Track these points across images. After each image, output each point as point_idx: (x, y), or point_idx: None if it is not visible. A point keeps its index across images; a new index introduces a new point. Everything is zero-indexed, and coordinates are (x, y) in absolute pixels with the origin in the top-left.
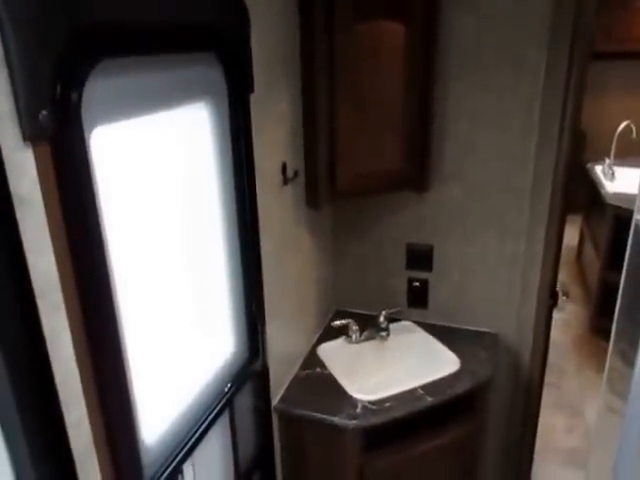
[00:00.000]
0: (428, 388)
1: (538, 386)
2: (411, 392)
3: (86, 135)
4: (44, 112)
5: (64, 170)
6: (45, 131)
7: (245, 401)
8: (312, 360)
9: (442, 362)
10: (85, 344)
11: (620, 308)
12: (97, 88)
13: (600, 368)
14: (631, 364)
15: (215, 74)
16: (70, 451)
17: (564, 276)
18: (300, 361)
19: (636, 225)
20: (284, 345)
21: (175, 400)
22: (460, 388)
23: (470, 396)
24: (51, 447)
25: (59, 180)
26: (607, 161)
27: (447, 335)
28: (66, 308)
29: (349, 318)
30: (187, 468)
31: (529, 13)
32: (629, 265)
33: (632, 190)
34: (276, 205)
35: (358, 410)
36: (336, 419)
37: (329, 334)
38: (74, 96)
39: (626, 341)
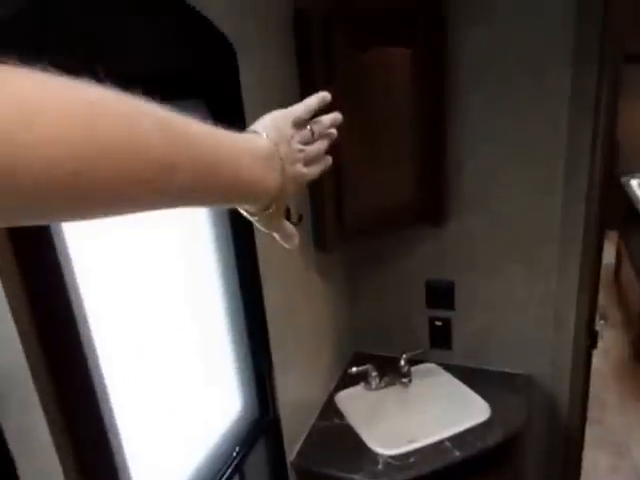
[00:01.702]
0: (456, 440)
1: (579, 430)
2: (437, 445)
3: None
4: None
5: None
6: None
7: (258, 460)
8: (330, 410)
9: (470, 409)
10: (65, 432)
11: None
12: None
13: None
14: None
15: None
16: None
17: (601, 298)
18: (317, 411)
19: None
20: (299, 396)
21: (179, 471)
22: (491, 440)
23: (503, 448)
24: None
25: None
26: None
27: (474, 378)
28: (39, 400)
29: (368, 361)
30: None
31: (548, 20)
32: None
33: None
34: (281, 252)
35: (380, 467)
36: (357, 477)
37: (348, 380)
38: None
39: None
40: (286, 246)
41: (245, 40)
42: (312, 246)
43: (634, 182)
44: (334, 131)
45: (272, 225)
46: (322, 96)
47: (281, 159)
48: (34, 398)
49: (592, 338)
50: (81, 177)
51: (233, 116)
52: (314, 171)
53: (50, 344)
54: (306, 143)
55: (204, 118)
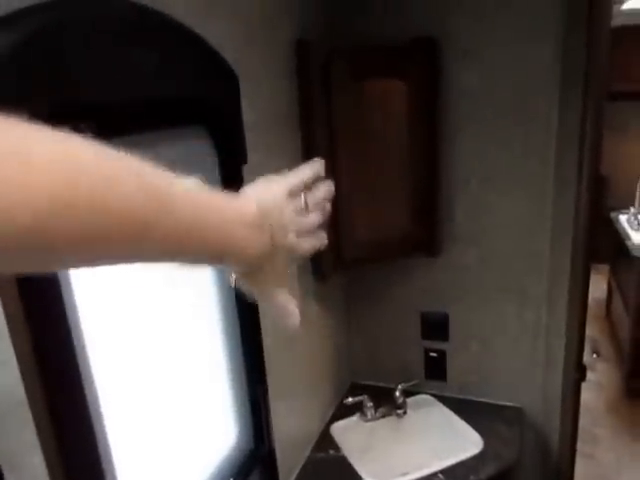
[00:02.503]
0: (448, 473)
1: (569, 464)
2: (430, 478)
3: None
4: None
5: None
6: None
7: None
8: (325, 441)
9: (463, 442)
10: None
11: None
12: None
13: (637, 434)
14: None
15: (204, 147)
16: None
17: (594, 332)
18: (313, 442)
19: None
20: (295, 426)
21: None
22: (484, 474)
23: None
24: None
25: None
26: (632, 210)
27: (467, 409)
28: (34, 420)
29: (364, 392)
30: None
31: (537, 59)
32: None
33: None
34: None
35: None
36: None
37: (343, 410)
38: None
39: None
40: (286, 325)
41: (247, 69)
42: (310, 275)
43: (623, 218)
44: (328, 205)
45: (261, 294)
46: (317, 166)
47: (271, 226)
48: (29, 421)
49: (581, 371)
50: (40, 230)
51: (233, 143)
52: (307, 246)
53: (47, 371)
54: (299, 214)
55: (206, 144)
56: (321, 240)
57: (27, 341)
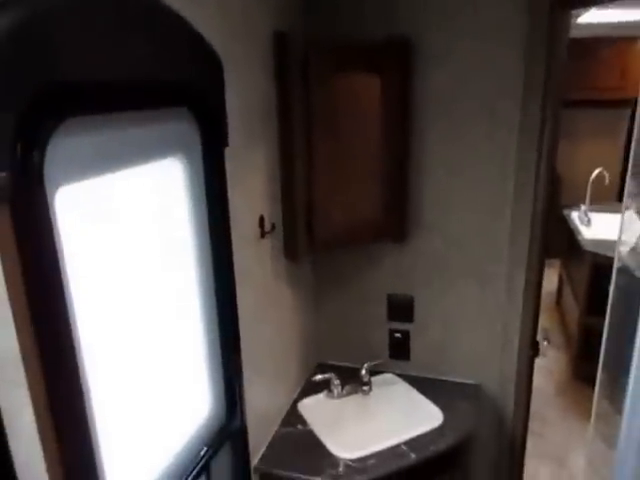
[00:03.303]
0: (411, 444)
1: (522, 437)
2: (394, 449)
3: (49, 195)
4: (3, 174)
5: (25, 232)
6: (4, 193)
7: (223, 463)
8: (293, 417)
9: (425, 416)
10: (49, 421)
11: (604, 359)
12: (62, 146)
13: (583, 415)
14: (619, 411)
15: (188, 129)
16: None
17: (545, 321)
18: (281, 417)
19: (618, 272)
20: (264, 402)
21: (149, 468)
22: (444, 444)
23: (454, 451)
24: None
25: (20, 244)
26: (583, 207)
27: (430, 387)
28: (28, 383)
29: (331, 371)
30: None
31: (502, 65)
32: (611, 316)
33: (608, 236)
34: (254, 259)
35: (340, 469)
36: None
37: (310, 388)
38: (36, 156)
39: (612, 389)
40: None
41: (229, 57)
42: (282, 255)
43: (574, 214)
44: None
45: None
46: None
47: None
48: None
49: (534, 349)
50: None
51: (216, 126)
52: None
53: (41, 328)
54: None
55: (191, 126)
56: None
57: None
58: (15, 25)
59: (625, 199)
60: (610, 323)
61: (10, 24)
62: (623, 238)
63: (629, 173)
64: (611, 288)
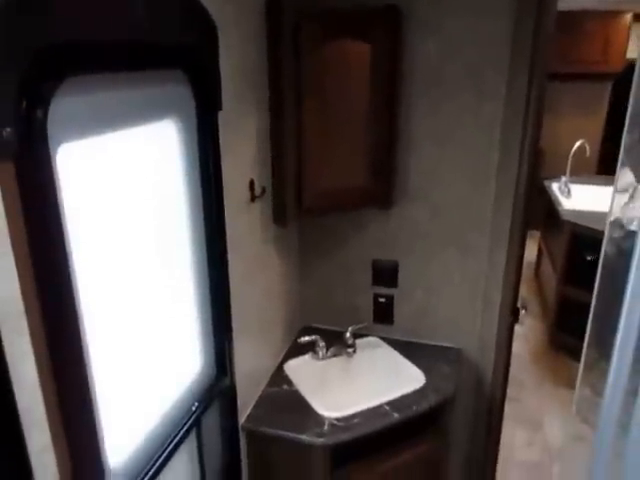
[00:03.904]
0: (394, 404)
1: (500, 401)
2: (377, 409)
3: (52, 152)
4: (8, 129)
5: (28, 187)
6: (9, 148)
7: (212, 420)
8: (279, 377)
9: (407, 378)
10: (49, 368)
11: (589, 337)
12: (64, 105)
13: (559, 382)
14: (600, 394)
15: (183, 92)
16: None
17: (523, 290)
18: (267, 378)
19: (605, 255)
20: (251, 363)
21: (142, 420)
22: (425, 404)
23: (435, 412)
24: (14, 476)
25: (23, 197)
26: (563, 179)
27: (412, 350)
28: (29, 331)
29: (316, 334)
30: None
31: (490, 36)
32: (598, 296)
33: (587, 207)
34: (244, 222)
35: (325, 427)
36: (303, 437)
37: (296, 350)
38: (39, 113)
39: (595, 370)
40: None
41: (223, 23)
42: (271, 219)
43: (555, 185)
44: None
45: None
46: None
47: None
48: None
49: (514, 315)
50: None
51: (210, 90)
52: None
53: (42, 279)
54: None
55: (185, 89)
56: None
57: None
58: None
59: (621, 155)
60: (602, 276)
61: None
62: (616, 197)
63: (626, 128)
64: (598, 272)
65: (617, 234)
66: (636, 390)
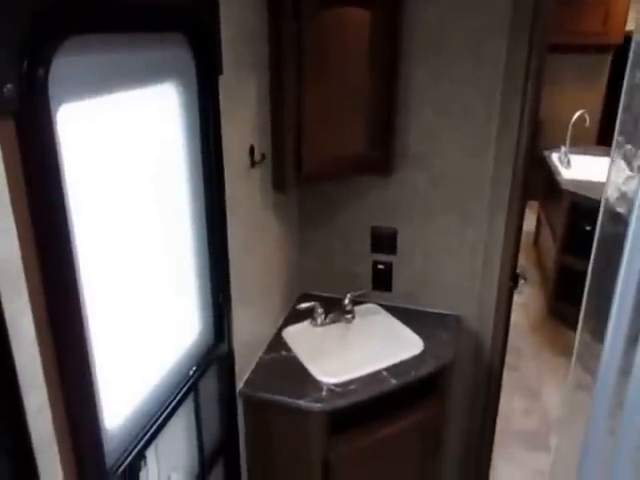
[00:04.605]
0: (392, 370)
1: (499, 369)
2: (375, 374)
3: (52, 111)
4: (9, 86)
5: (29, 145)
6: (10, 105)
7: (210, 385)
8: (277, 343)
9: (406, 344)
10: (47, 328)
11: (590, 285)
12: (65, 64)
13: (557, 351)
14: (601, 340)
15: (184, 55)
16: (30, 439)
17: (522, 260)
18: (265, 344)
19: (606, 201)
20: (249, 328)
21: (139, 383)
22: (424, 370)
23: (434, 378)
24: (10, 434)
25: (24, 156)
26: (563, 149)
27: (411, 317)
28: (28, 291)
29: (314, 301)
30: (150, 454)
31: (490, 6)
32: (598, 243)
33: (587, 177)
34: (243, 188)
35: (323, 393)
36: (301, 402)
37: (294, 317)
38: (41, 71)
39: (596, 317)
40: None
41: None
42: (270, 186)
43: (554, 155)
44: None
45: None
46: None
47: None
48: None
49: (514, 281)
50: None
51: (211, 53)
52: None
53: (42, 237)
54: None
55: (186, 52)
56: None
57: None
58: None
59: (616, 136)
60: (596, 254)
61: None
62: (612, 178)
63: (621, 106)
64: (599, 219)
65: (610, 213)
66: (637, 337)
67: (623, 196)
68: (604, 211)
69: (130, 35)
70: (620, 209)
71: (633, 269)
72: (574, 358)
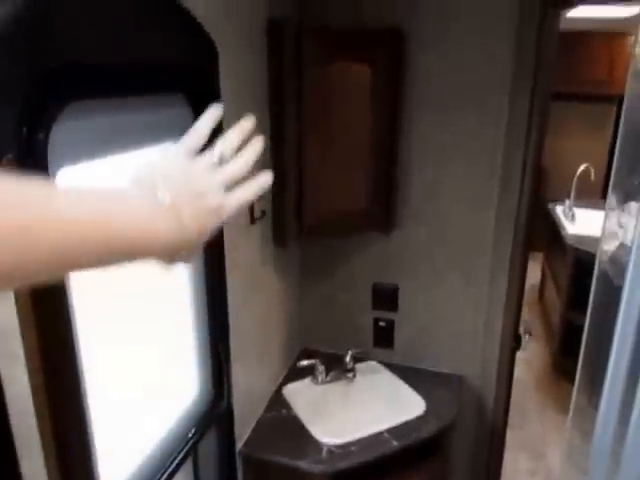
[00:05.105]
0: (394, 431)
1: (502, 429)
2: (377, 436)
3: (51, 176)
4: (9, 155)
5: None
6: (9, 172)
7: (209, 445)
8: (277, 401)
9: (408, 404)
10: (44, 394)
11: (584, 353)
12: (65, 129)
13: (562, 409)
14: (596, 407)
15: (184, 114)
16: None
17: (526, 314)
18: (265, 402)
19: (599, 270)
20: (249, 386)
21: (137, 449)
22: (425, 432)
23: (436, 439)
24: None
25: None
26: (567, 202)
27: (413, 376)
28: (25, 357)
29: (315, 357)
30: None
31: (492, 57)
32: (592, 310)
33: (591, 232)
34: (243, 244)
35: (324, 454)
36: (301, 464)
37: (295, 374)
38: (40, 138)
39: (590, 385)
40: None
41: (223, 42)
42: (271, 241)
43: (559, 208)
44: (257, 144)
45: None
46: (212, 115)
47: (167, 201)
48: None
49: (516, 341)
50: None
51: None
52: (243, 196)
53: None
54: (213, 170)
55: (186, 112)
56: (259, 185)
57: None
58: (19, 10)
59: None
60: (590, 323)
61: (14, 10)
62: (605, 247)
63: (613, 171)
64: (592, 287)
65: (604, 281)
66: (631, 403)
67: (614, 262)
68: (597, 278)
69: (130, 98)
70: (613, 274)
71: (626, 339)
72: (569, 423)
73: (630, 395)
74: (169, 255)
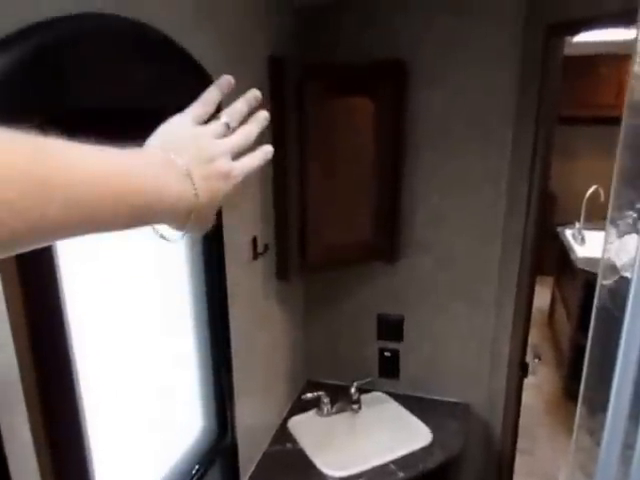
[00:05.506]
0: (400, 463)
1: (510, 457)
2: (383, 467)
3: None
4: None
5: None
6: None
7: None
8: (283, 435)
9: (414, 435)
10: (45, 440)
11: (586, 381)
12: None
13: (573, 433)
14: (599, 443)
15: None
16: None
17: (536, 338)
18: (270, 436)
19: (600, 292)
20: (254, 420)
21: None
22: (432, 462)
23: (442, 470)
24: None
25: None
26: (577, 225)
27: (419, 406)
28: (26, 403)
29: (320, 389)
30: None
31: (495, 85)
32: (594, 335)
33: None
34: (246, 279)
35: None
36: None
37: (300, 406)
38: None
39: (592, 422)
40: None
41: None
42: (274, 275)
43: (568, 232)
44: (263, 113)
45: (205, 225)
46: (225, 81)
47: (180, 162)
48: (20, 399)
49: (523, 370)
50: None
51: None
52: (249, 163)
53: (39, 350)
54: (221, 137)
55: None
56: (264, 153)
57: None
58: (25, 56)
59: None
60: (591, 349)
61: (19, 56)
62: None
63: (610, 207)
64: (593, 312)
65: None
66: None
67: (613, 296)
68: (597, 311)
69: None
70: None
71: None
72: (571, 460)
73: (632, 436)
74: (181, 217)
